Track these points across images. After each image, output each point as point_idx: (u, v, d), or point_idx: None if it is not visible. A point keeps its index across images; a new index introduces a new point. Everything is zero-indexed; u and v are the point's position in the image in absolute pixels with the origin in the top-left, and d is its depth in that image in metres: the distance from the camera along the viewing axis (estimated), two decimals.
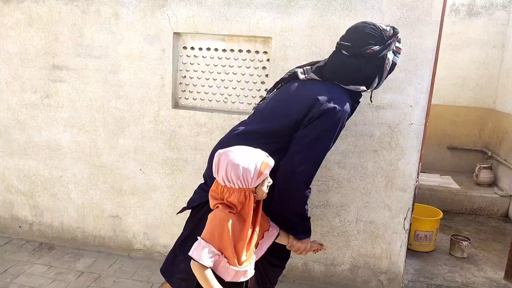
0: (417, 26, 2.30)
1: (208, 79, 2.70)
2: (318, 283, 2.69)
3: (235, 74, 2.66)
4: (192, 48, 2.68)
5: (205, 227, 1.51)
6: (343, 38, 1.85)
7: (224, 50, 2.65)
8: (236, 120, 2.60)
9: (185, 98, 2.77)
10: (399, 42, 1.83)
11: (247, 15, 2.48)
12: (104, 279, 2.65)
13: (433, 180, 4.39)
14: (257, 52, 2.61)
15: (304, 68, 1.90)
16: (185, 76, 2.73)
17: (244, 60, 2.63)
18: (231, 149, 1.52)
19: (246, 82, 2.66)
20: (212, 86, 2.71)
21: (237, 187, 1.47)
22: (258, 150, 1.54)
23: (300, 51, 2.46)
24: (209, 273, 1.46)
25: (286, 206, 1.75)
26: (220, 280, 1.52)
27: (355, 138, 2.48)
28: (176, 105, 2.75)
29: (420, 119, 2.40)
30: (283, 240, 1.85)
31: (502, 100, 4.53)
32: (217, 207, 1.51)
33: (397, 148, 2.45)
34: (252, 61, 2.63)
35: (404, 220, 2.52)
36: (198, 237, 1.50)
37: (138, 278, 2.67)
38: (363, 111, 2.45)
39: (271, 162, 1.52)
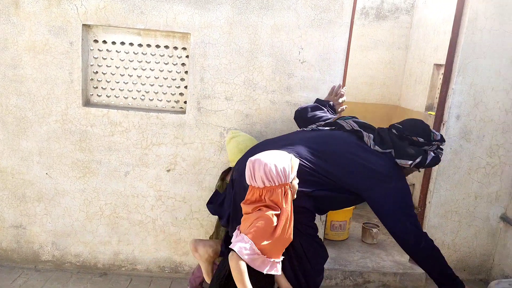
0: (330, 27, 2.42)
1: (123, 75, 2.56)
2: None
3: (152, 70, 2.55)
4: (105, 41, 2.51)
5: (250, 225, 1.60)
6: (397, 123, 2.07)
7: (140, 45, 2.52)
8: (155, 118, 2.50)
9: (97, 95, 2.58)
10: (442, 148, 2.04)
11: (164, 9, 2.39)
12: None
13: None
14: (175, 48, 2.53)
15: (364, 133, 1.97)
16: (97, 72, 2.55)
17: (162, 56, 2.53)
18: (261, 154, 1.66)
19: (165, 78, 2.57)
20: (127, 83, 2.57)
21: (277, 183, 1.60)
22: (282, 151, 1.71)
23: (219, 48, 2.44)
24: (244, 267, 1.55)
25: (434, 269, 1.91)
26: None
27: (275, 135, 2.53)
28: (87, 102, 2.56)
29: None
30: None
31: (406, 98, 4.98)
32: (260, 209, 1.61)
33: None
34: (170, 57, 2.54)
35: None
36: (240, 231, 1.62)
37: None
38: (282, 109, 2.51)
39: (295, 159, 1.71)
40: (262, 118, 2.53)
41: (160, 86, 2.58)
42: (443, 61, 3.17)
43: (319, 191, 1.84)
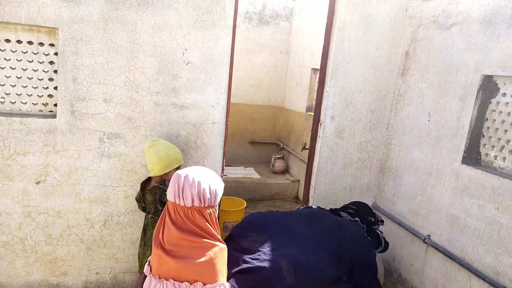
0: (213, 29, 2.41)
1: None
2: None
3: (13, 69, 2.23)
4: None
5: (211, 271, 1.41)
6: (349, 204, 2.49)
7: None
8: (18, 123, 2.19)
9: None
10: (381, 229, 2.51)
11: (25, 0, 2.10)
12: None
13: (238, 172, 4.78)
14: (41, 44, 2.24)
15: (341, 212, 2.37)
16: None
17: (24, 52, 2.22)
18: (191, 170, 1.49)
19: (29, 78, 2.26)
20: None
21: (206, 204, 1.44)
22: (210, 170, 1.55)
23: (94, 45, 2.24)
24: None
25: None
26: None
27: (163, 138, 2.42)
28: None
29: (221, 118, 2.53)
30: None
31: (289, 99, 5.29)
32: (202, 246, 1.42)
33: (202, 146, 2.52)
34: (35, 54, 2.25)
35: None
36: (215, 285, 1.40)
37: None
38: (168, 111, 2.42)
39: (222, 182, 1.58)
40: (147, 121, 2.41)
41: (24, 87, 2.26)
42: (318, 65, 3.43)
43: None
